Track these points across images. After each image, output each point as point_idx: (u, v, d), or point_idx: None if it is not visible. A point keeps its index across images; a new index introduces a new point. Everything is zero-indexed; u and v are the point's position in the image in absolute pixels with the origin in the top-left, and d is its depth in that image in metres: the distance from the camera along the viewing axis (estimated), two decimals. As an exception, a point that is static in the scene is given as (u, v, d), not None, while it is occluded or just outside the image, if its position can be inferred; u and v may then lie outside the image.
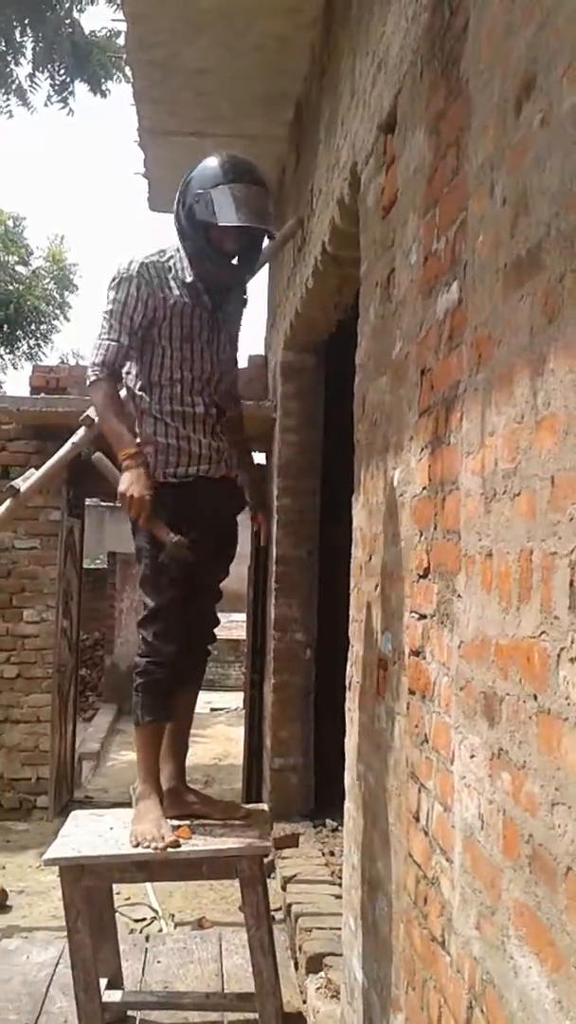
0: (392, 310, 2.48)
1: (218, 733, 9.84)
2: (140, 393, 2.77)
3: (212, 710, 10.87)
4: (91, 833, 2.68)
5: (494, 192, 1.67)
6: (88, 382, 2.75)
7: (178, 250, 2.77)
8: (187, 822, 2.66)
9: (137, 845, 2.53)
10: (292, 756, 5.41)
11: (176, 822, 2.64)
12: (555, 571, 1.31)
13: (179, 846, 2.51)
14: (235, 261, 2.77)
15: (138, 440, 2.73)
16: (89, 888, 2.60)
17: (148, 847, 2.51)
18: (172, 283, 2.74)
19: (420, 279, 2.18)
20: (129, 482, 2.60)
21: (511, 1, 1.61)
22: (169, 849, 2.50)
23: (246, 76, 4.67)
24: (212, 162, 2.69)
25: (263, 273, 5.39)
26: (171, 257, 2.77)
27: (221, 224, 2.61)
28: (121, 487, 2.62)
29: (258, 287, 10.64)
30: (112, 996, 2.80)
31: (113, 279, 2.74)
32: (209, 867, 2.59)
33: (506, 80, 1.62)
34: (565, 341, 1.31)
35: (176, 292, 2.73)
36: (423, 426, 2.11)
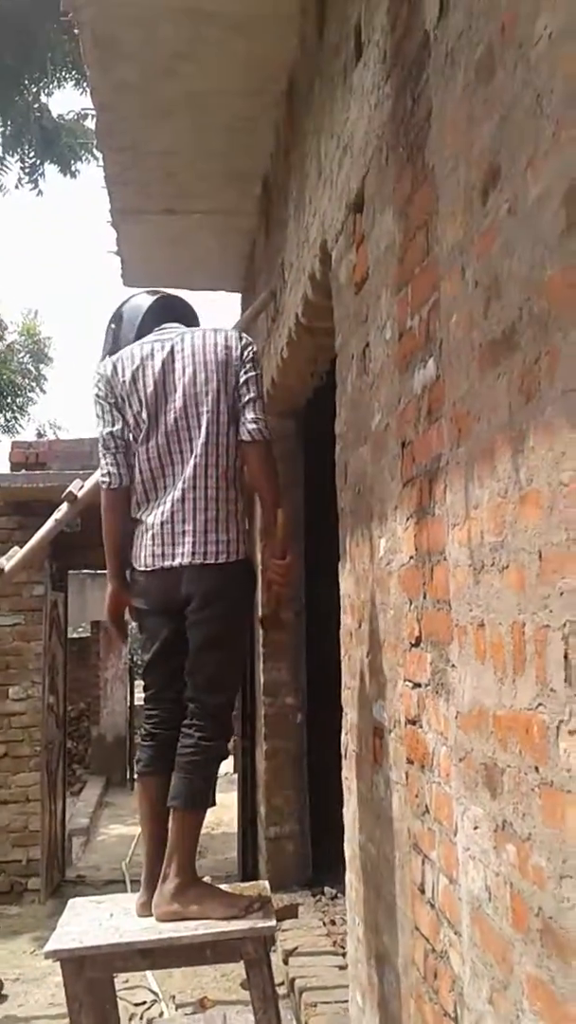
0: (369, 383, 2.54)
1: (209, 801, 9.67)
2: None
3: (202, 777, 10.69)
4: (91, 922, 2.63)
5: (465, 275, 1.73)
6: (267, 440, 2.71)
7: None
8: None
9: (246, 912, 2.52)
10: (287, 824, 5.35)
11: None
12: (548, 644, 1.34)
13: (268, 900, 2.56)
14: None
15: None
16: (91, 979, 2.54)
17: (251, 913, 2.51)
18: None
19: (396, 354, 2.24)
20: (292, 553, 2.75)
21: (472, 93, 1.70)
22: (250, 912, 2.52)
23: (214, 155, 4.81)
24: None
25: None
26: None
27: None
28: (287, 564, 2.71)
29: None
30: None
31: (256, 350, 2.83)
32: (213, 951, 2.54)
33: (471, 169, 1.70)
34: (544, 420, 1.35)
35: None
36: (407, 496, 2.15)
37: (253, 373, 2.72)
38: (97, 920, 2.63)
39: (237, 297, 6.83)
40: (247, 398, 2.67)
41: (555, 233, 1.31)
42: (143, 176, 5.00)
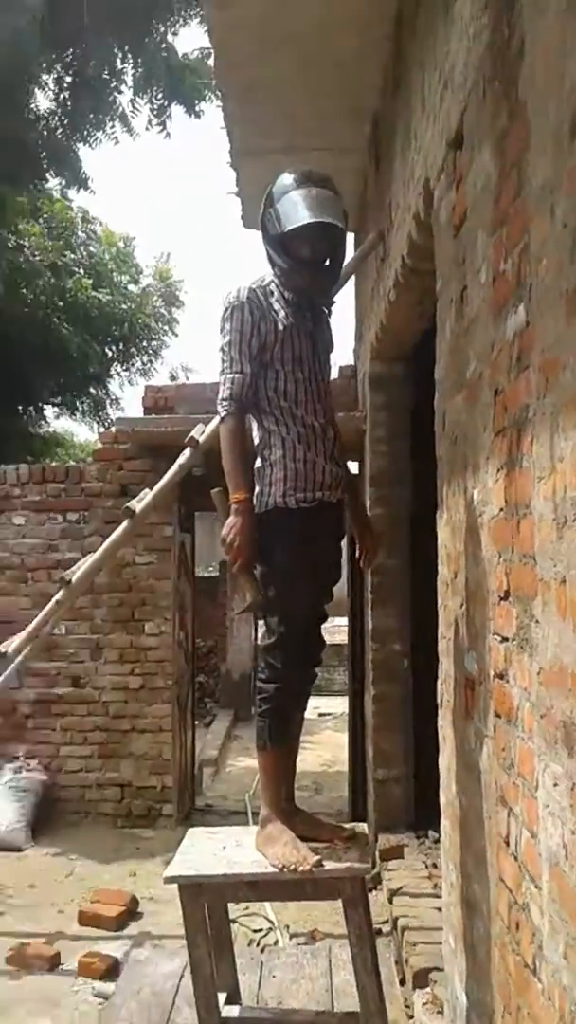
0: (465, 328, 2.47)
1: (326, 739, 9.85)
2: (264, 419, 2.78)
3: (320, 715, 10.89)
4: (206, 852, 2.76)
5: (555, 215, 1.65)
6: (219, 418, 2.76)
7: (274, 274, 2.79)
8: None
9: (283, 869, 2.55)
10: (394, 767, 5.38)
11: None
12: (620, 605, 1.29)
13: (323, 866, 2.54)
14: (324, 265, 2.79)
15: (269, 463, 2.73)
16: (206, 905, 2.68)
17: (295, 870, 2.54)
18: (275, 305, 2.75)
19: (490, 299, 2.17)
20: (232, 527, 2.63)
21: (564, 23, 1.60)
22: (314, 869, 2.53)
23: (327, 92, 4.71)
24: (282, 176, 2.75)
25: (349, 285, 5.39)
26: (270, 281, 2.78)
27: (288, 228, 2.65)
28: (224, 530, 2.64)
29: (345, 298, 10.60)
30: (231, 1011, 2.89)
31: (225, 311, 2.74)
32: (313, 887, 2.64)
33: (561, 103, 1.61)
34: (620, 373, 1.29)
35: (282, 314, 2.74)
36: (498, 447, 2.10)
37: (220, 342, 2.77)
38: (211, 851, 2.77)
39: (350, 237, 6.71)
40: None
41: (631, 173, 1.23)
42: (260, 114, 4.95)
